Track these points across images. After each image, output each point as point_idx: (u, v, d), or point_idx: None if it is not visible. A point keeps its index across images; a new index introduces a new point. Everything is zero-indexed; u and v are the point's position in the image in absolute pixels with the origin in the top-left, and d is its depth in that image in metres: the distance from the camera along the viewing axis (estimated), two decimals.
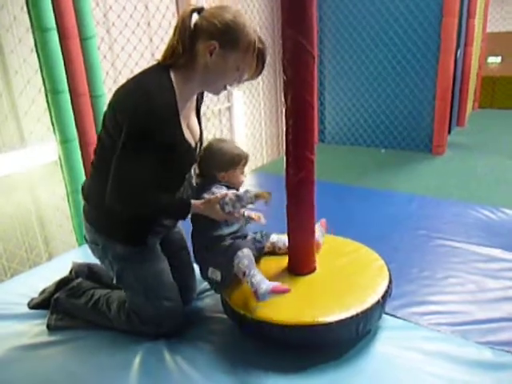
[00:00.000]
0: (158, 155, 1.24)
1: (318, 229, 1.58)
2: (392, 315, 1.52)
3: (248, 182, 3.21)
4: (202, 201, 1.40)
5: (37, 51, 2.02)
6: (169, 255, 1.55)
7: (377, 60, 3.63)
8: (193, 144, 1.37)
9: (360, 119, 3.90)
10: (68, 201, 2.24)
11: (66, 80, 2.07)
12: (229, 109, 3.89)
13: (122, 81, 2.67)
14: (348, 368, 1.28)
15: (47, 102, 2.08)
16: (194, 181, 1.55)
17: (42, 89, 2.09)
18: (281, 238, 1.61)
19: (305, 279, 1.48)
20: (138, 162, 1.23)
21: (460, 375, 1.23)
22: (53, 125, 2.12)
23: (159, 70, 1.27)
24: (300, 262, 1.51)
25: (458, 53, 3.52)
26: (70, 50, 2.06)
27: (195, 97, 1.40)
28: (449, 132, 3.63)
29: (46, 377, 1.33)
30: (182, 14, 1.25)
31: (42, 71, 2.04)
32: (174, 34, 1.25)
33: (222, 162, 1.48)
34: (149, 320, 1.45)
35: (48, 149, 2.19)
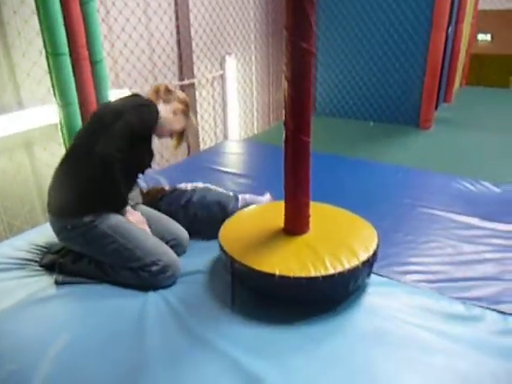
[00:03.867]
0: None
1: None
2: (378, 274, 1.66)
3: (240, 151, 3.30)
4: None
5: (38, 13, 2.03)
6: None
7: (369, 33, 3.68)
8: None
9: (351, 92, 3.98)
10: None
11: (66, 43, 2.09)
12: (221, 76, 3.92)
13: (119, 46, 2.69)
14: (339, 319, 1.42)
15: (48, 64, 2.11)
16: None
17: (44, 51, 2.11)
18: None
19: (299, 238, 1.60)
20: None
21: (436, 324, 1.39)
22: (53, 87, 2.15)
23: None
24: (295, 222, 1.63)
25: (449, 30, 3.60)
26: (70, 14, 2.08)
27: None
28: (436, 108, 3.75)
29: (57, 321, 1.45)
30: None
31: (42, 33, 2.06)
32: None
33: None
34: (148, 264, 1.60)
35: (48, 111, 2.23)
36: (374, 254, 1.52)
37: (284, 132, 1.52)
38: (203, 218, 1.96)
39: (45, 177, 2.38)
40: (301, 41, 1.36)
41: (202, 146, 3.84)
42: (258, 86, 4.41)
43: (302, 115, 1.48)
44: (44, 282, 1.64)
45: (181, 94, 1.88)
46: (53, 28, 2.02)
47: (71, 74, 2.14)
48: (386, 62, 3.70)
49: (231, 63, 3.91)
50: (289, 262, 1.46)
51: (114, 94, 2.28)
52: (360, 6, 3.64)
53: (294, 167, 1.55)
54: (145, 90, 2.63)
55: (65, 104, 2.15)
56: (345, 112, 4.08)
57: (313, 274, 1.40)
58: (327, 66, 4.01)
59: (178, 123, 1.86)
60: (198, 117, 3.73)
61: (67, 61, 2.10)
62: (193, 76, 3.54)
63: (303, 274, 1.40)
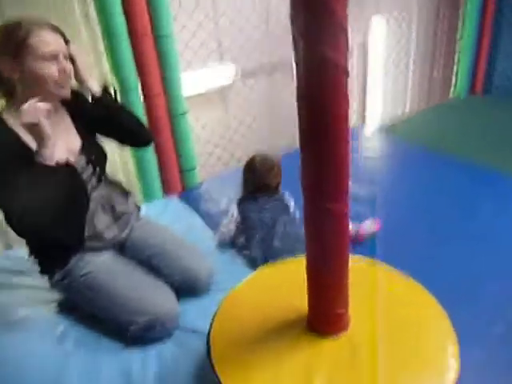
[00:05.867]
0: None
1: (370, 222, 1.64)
2: None
3: (372, 146, 2.58)
4: None
5: None
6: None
7: None
8: (67, 160, 1.20)
9: None
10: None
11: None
12: (363, 45, 3.12)
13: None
14: None
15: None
16: None
17: None
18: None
19: (330, 343, 0.98)
20: None
21: None
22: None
23: None
24: (323, 316, 1.01)
25: None
26: None
27: (62, 110, 1.32)
28: None
29: None
30: None
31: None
32: None
33: None
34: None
35: None
36: None
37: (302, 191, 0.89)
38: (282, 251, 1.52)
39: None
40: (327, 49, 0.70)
41: None
42: (416, 57, 3.44)
43: (326, 173, 0.82)
44: None
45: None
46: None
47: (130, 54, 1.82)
48: None
49: (379, 26, 3.07)
50: None
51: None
52: None
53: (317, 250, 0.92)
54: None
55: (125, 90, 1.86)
56: None
57: None
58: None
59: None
60: None
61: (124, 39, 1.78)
62: None
63: None
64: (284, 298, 1.12)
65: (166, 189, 2.15)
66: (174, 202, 2.04)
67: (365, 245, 1.60)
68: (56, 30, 1.19)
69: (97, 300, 1.31)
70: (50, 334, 1.32)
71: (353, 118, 3.36)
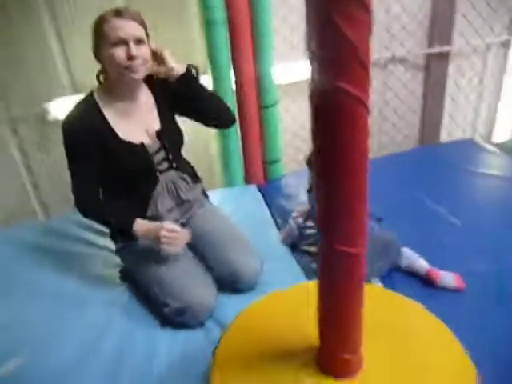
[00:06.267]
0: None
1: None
2: None
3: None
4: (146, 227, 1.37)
5: None
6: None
7: None
8: (141, 142, 1.38)
9: None
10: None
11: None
12: (503, 43, 2.69)
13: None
14: None
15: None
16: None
17: None
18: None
19: None
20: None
21: None
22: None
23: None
24: (331, 359, 0.93)
25: None
26: None
27: (147, 94, 1.43)
28: None
29: None
30: None
31: None
32: None
33: None
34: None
35: None
36: None
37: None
38: None
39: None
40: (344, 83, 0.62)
41: (445, 138, 2.87)
42: None
43: (338, 213, 0.74)
44: None
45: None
46: None
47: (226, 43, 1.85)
48: None
49: None
50: None
51: None
52: None
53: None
54: None
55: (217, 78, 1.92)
56: None
57: None
58: None
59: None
60: (447, 99, 2.74)
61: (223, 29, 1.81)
62: (449, 42, 2.55)
63: None
64: (299, 325, 1.05)
65: (249, 178, 2.18)
66: (250, 192, 2.06)
67: None
68: (133, 17, 1.25)
69: (144, 276, 1.41)
70: (102, 296, 1.48)
71: (468, 130, 2.95)
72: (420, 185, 2.02)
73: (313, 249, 1.56)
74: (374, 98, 2.57)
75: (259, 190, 2.09)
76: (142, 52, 1.27)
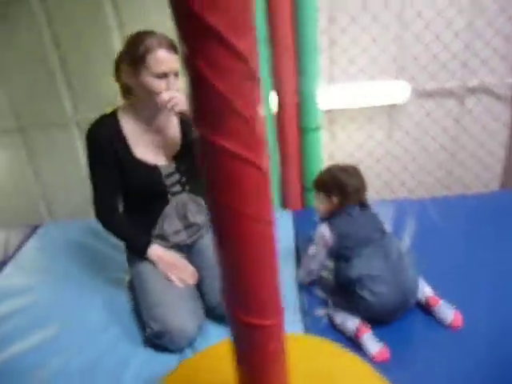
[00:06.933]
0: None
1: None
2: None
3: None
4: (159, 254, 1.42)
5: None
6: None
7: None
8: (156, 163, 1.41)
9: None
10: None
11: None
12: None
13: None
14: None
15: None
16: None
17: None
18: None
19: None
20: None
21: None
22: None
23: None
24: None
25: None
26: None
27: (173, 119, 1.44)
28: None
29: None
30: None
31: None
32: None
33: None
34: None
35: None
36: None
37: None
38: None
39: None
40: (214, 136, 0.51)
41: None
42: None
43: (240, 284, 0.65)
44: None
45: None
46: None
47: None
48: None
49: None
50: None
51: None
52: None
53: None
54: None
55: None
56: None
57: None
58: None
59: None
60: None
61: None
62: None
63: None
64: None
65: (286, 203, 2.09)
66: (282, 218, 1.96)
67: None
68: (173, 47, 1.25)
69: (138, 292, 1.43)
70: (103, 300, 1.55)
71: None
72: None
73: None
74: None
75: (294, 217, 1.98)
76: (178, 85, 1.30)
